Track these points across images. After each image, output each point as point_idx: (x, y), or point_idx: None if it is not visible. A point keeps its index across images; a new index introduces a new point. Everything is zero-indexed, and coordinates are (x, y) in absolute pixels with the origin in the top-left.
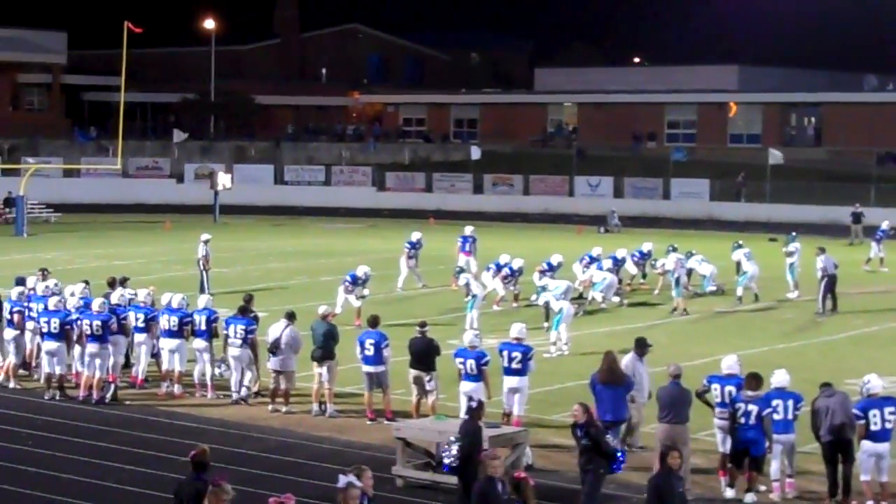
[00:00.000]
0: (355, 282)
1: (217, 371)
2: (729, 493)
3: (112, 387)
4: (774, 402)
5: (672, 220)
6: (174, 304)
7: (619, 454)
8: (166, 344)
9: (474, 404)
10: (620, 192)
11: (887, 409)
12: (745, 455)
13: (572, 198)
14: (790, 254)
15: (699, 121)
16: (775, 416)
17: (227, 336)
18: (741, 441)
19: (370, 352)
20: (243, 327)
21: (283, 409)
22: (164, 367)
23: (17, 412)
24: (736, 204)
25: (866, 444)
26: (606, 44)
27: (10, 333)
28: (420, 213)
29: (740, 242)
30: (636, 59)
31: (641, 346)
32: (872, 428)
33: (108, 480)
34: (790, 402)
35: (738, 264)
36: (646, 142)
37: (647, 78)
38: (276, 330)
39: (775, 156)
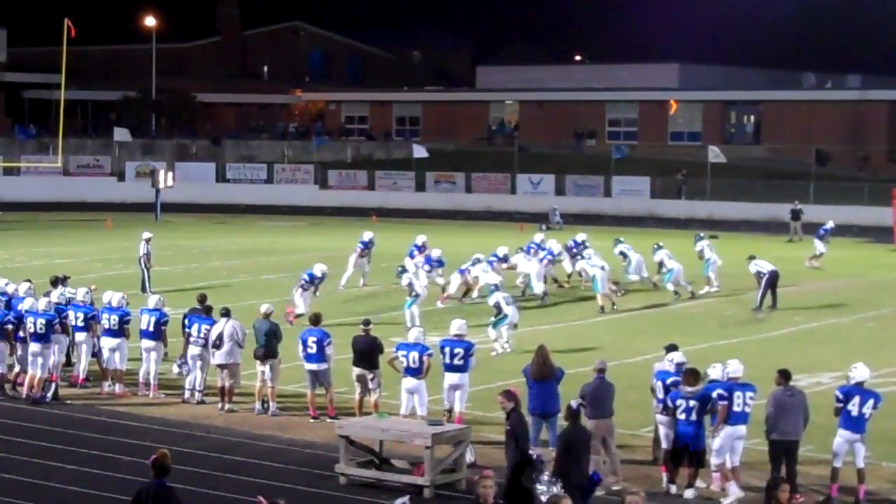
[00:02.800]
0: (312, 280)
1: (177, 370)
2: (672, 489)
3: (53, 386)
4: (737, 394)
5: (613, 218)
6: (114, 303)
7: (594, 477)
8: (107, 343)
9: (575, 405)
10: (562, 190)
11: (748, 394)
12: (685, 451)
13: (514, 195)
14: (700, 254)
15: (640, 119)
16: (735, 409)
17: (188, 335)
18: (681, 437)
19: (312, 350)
20: (207, 327)
21: (227, 406)
22: (105, 365)
23: None
24: (677, 201)
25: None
26: (548, 42)
27: None
28: (362, 210)
29: (701, 234)
30: (577, 58)
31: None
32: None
33: (52, 480)
34: (748, 394)
35: (661, 264)
36: (587, 139)
37: (589, 76)
38: (218, 326)
39: (715, 153)
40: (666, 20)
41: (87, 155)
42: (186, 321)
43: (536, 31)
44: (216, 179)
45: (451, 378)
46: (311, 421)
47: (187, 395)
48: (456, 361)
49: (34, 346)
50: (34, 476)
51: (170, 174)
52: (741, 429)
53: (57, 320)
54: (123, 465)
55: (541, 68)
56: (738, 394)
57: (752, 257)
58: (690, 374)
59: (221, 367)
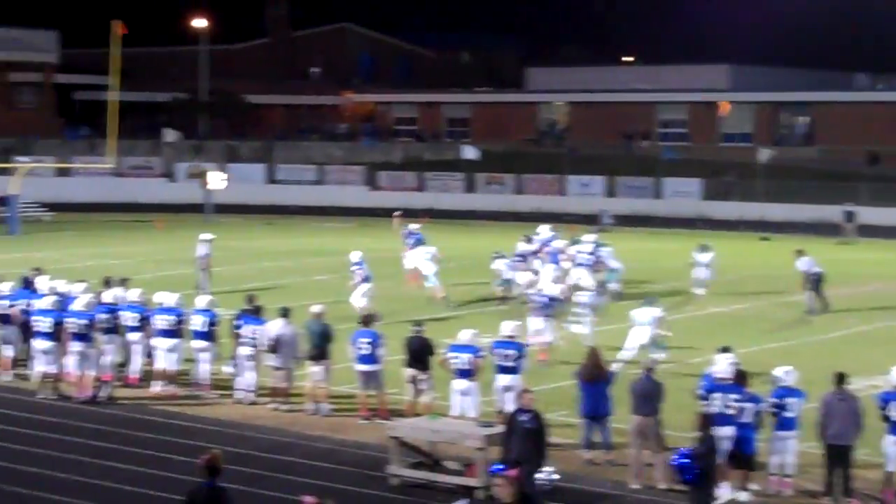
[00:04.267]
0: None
1: (228, 370)
2: (726, 493)
3: (107, 386)
4: (786, 400)
5: (664, 220)
6: (170, 304)
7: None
8: (161, 343)
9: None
10: (612, 192)
11: (798, 400)
12: (737, 453)
13: (564, 197)
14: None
15: (690, 120)
16: (787, 414)
17: (238, 335)
18: (735, 439)
19: (365, 351)
20: (258, 328)
21: (283, 407)
22: (158, 366)
23: (13, 411)
24: (727, 203)
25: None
26: (598, 43)
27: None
28: (412, 211)
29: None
30: (628, 59)
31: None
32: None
33: (106, 479)
34: (799, 400)
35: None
36: (637, 141)
37: (639, 77)
38: (274, 328)
39: (765, 154)
40: (717, 21)
41: (137, 156)
42: (237, 322)
43: (586, 32)
44: (266, 180)
45: (503, 379)
46: (363, 422)
47: (239, 395)
48: (508, 363)
49: (77, 346)
50: (88, 475)
51: (220, 175)
52: (792, 434)
53: (100, 320)
54: (176, 465)
55: (591, 69)
56: (789, 400)
57: (800, 252)
58: (740, 377)
59: (277, 369)
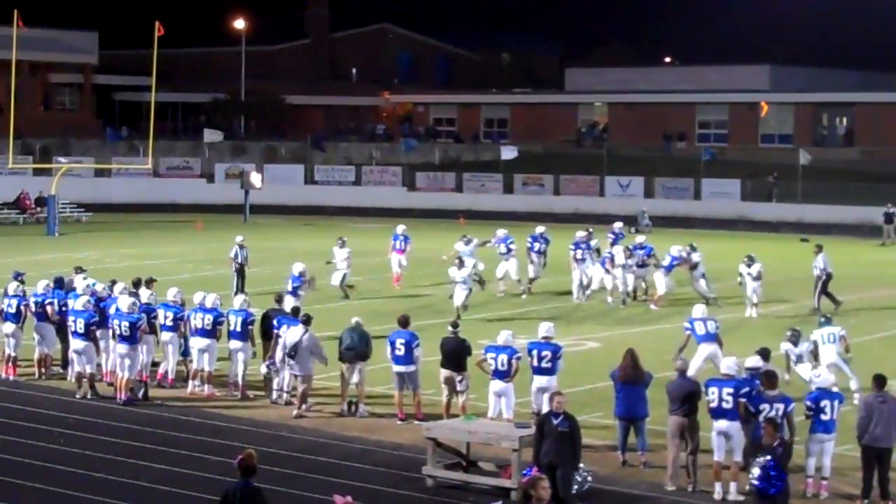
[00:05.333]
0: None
1: (265, 370)
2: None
3: (143, 386)
4: (822, 403)
5: (703, 221)
6: (208, 304)
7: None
8: (197, 343)
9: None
10: (651, 193)
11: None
12: None
13: (603, 198)
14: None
15: (730, 121)
16: (822, 416)
17: (277, 336)
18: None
19: (401, 352)
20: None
21: (295, 411)
22: (194, 366)
23: (50, 411)
24: (767, 204)
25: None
26: (637, 44)
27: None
28: (450, 212)
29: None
30: (667, 59)
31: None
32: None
33: (141, 479)
34: (836, 403)
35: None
36: (676, 142)
37: (678, 78)
38: (294, 334)
39: (805, 156)
40: (756, 20)
41: (176, 157)
42: (276, 322)
43: (625, 33)
44: (304, 181)
45: (539, 381)
46: (399, 423)
47: (275, 395)
48: (544, 364)
49: (121, 348)
50: (124, 475)
51: (259, 176)
52: (829, 436)
53: (143, 321)
54: (211, 465)
55: (630, 70)
56: (825, 402)
57: (819, 248)
58: (769, 378)
59: (296, 376)
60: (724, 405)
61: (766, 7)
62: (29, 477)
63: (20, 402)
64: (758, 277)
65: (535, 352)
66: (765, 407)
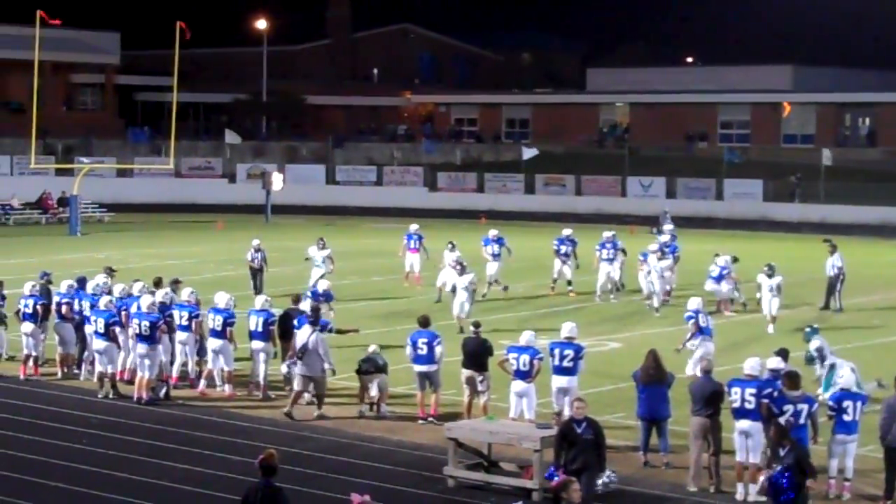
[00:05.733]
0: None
1: (286, 370)
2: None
3: (165, 385)
4: (845, 403)
5: (725, 221)
6: (220, 304)
7: None
8: (211, 343)
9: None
10: (673, 193)
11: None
12: None
13: (625, 198)
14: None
15: (752, 121)
16: (845, 417)
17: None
18: None
19: (423, 351)
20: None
21: (316, 412)
22: (208, 366)
23: (72, 411)
24: (790, 205)
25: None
26: (659, 44)
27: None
28: (471, 213)
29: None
30: (689, 59)
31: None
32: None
33: (163, 479)
34: (858, 403)
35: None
36: (698, 142)
37: (700, 78)
38: (302, 335)
39: (828, 156)
40: (779, 21)
41: (198, 157)
42: (296, 322)
43: (647, 33)
44: (326, 181)
45: (559, 381)
46: (421, 422)
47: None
48: (566, 364)
49: (140, 348)
50: (147, 475)
51: (280, 176)
52: (851, 437)
53: (161, 321)
54: (233, 465)
55: (651, 70)
56: (847, 403)
57: (834, 247)
58: (793, 378)
59: (305, 378)
60: (747, 405)
61: (789, 7)
62: (52, 476)
63: (43, 402)
64: (779, 291)
65: (557, 351)
66: (788, 407)
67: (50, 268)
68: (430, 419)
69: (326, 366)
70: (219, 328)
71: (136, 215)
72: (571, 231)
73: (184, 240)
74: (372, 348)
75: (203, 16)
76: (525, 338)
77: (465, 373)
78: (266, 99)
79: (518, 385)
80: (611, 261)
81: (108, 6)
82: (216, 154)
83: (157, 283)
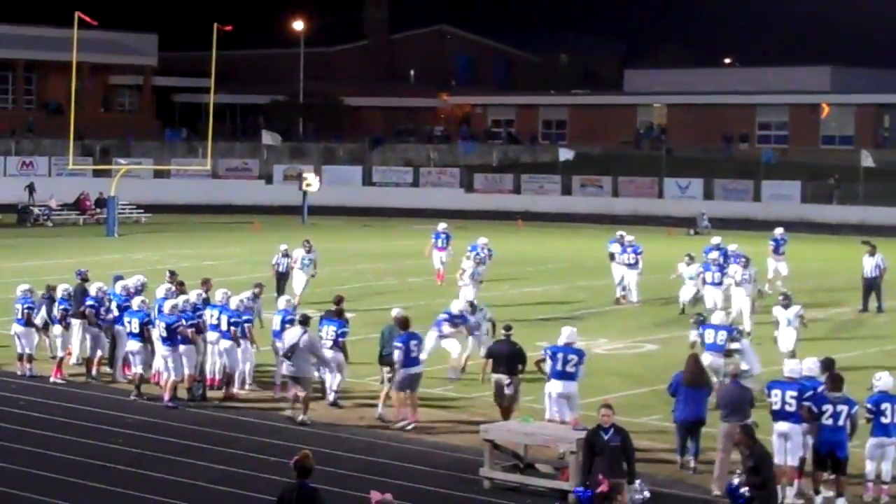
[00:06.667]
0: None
1: (318, 372)
2: (818, 500)
3: (201, 385)
4: (883, 406)
5: (763, 222)
6: (231, 305)
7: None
8: (222, 344)
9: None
10: (711, 194)
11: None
12: (830, 457)
13: (662, 199)
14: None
15: (791, 122)
16: (883, 420)
17: (318, 337)
18: (827, 443)
19: (414, 353)
20: (335, 329)
21: (300, 417)
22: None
23: (107, 411)
24: (828, 206)
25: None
26: (697, 45)
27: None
28: (508, 214)
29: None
30: (727, 60)
31: None
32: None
33: (199, 479)
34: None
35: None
36: (737, 143)
37: (739, 79)
38: (292, 335)
39: (867, 158)
40: (817, 21)
41: (235, 158)
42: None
43: (685, 34)
44: (363, 182)
45: (559, 386)
46: (399, 427)
47: (331, 397)
48: (569, 369)
49: (162, 350)
50: (182, 475)
51: (317, 177)
52: (890, 440)
53: (182, 323)
54: (269, 466)
55: (689, 71)
56: (885, 405)
57: (874, 250)
58: (836, 380)
59: (292, 378)
60: (788, 408)
61: (828, 7)
62: (88, 476)
63: (78, 402)
64: (799, 322)
65: (560, 356)
66: (828, 407)
67: (88, 269)
68: (413, 424)
69: (311, 368)
70: (224, 328)
71: (174, 216)
72: (633, 237)
73: (221, 241)
74: (395, 312)
75: (240, 17)
76: (566, 335)
77: (494, 376)
78: (303, 100)
79: (557, 385)
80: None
81: (146, 8)
82: (253, 155)
83: (180, 284)
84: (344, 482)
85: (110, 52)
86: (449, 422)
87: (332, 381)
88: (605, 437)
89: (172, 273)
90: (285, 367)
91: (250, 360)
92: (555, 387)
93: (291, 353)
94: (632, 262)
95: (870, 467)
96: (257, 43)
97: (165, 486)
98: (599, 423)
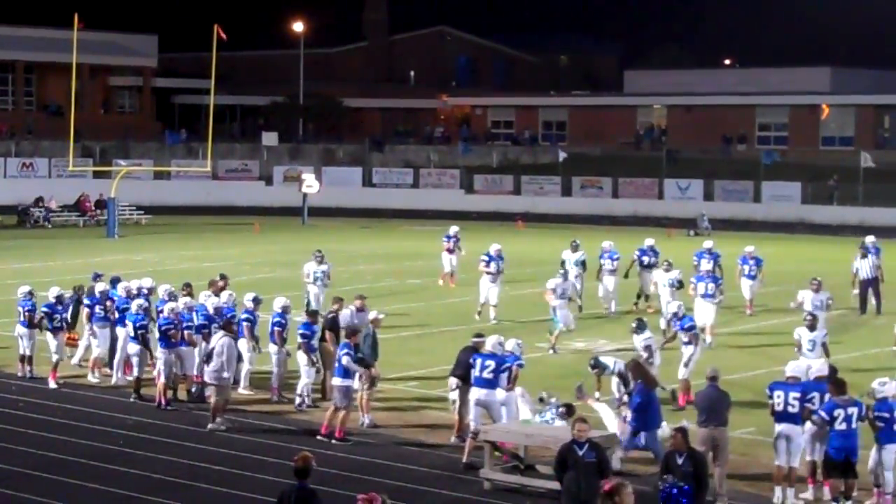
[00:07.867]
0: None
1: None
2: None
3: (200, 386)
4: (887, 412)
5: (763, 224)
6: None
7: None
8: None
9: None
10: (710, 195)
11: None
12: (844, 462)
13: (662, 200)
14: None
15: (791, 123)
16: (895, 427)
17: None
18: (843, 449)
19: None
20: (307, 333)
21: (209, 425)
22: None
23: (109, 412)
24: (828, 207)
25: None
26: (697, 46)
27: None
28: (508, 215)
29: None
30: (727, 61)
31: None
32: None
33: (198, 481)
34: None
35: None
36: (736, 144)
37: (738, 80)
38: (213, 340)
39: (867, 159)
40: (817, 23)
41: (235, 159)
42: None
43: (685, 35)
44: (363, 184)
45: (477, 393)
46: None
47: (297, 401)
48: (486, 375)
49: (157, 352)
50: (182, 476)
51: (313, 178)
52: (892, 447)
53: (173, 326)
54: (268, 467)
55: (689, 72)
56: (886, 412)
57: (867, 252)
58: (838, 385)
59: (211, 385)
60: (790, 409)
61: (827, 8)
62: (88, 477)
63: (79, 403)
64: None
65: (478, 361)
66: (839, 412)
67: (88, 271)
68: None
69: (226, 374)
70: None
71: (173, 217)
72: (654, 241)
73: (221, 242)
74: (372, 315)
75: (240, 18)
76: (509, 345)
77: (452, 381)
78: (303, 101)
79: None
80: (649, 268)
81: (146, 9)
82: (253, 156)
83: (213, 284)
84: (344, 484)
85: (110, 53)
86: (449, 422)
87: (300, 383)
88: (580, 453)
89: (223, 276)
90: (206, 373)
91: (247, 363)
92: (472, 393)
93: (208, 358)
94: (612, 268)
95: (888, 477)
96: (257, 44)
97: (165, 486)
98: (574, 437)
